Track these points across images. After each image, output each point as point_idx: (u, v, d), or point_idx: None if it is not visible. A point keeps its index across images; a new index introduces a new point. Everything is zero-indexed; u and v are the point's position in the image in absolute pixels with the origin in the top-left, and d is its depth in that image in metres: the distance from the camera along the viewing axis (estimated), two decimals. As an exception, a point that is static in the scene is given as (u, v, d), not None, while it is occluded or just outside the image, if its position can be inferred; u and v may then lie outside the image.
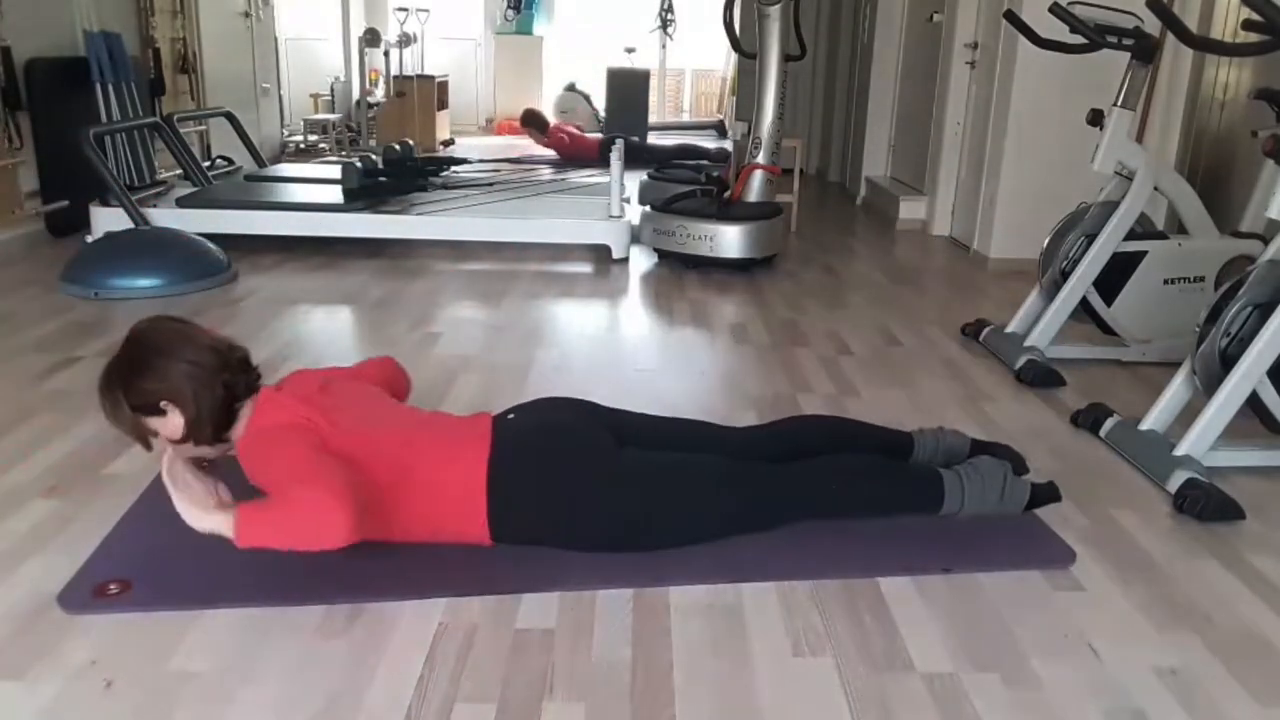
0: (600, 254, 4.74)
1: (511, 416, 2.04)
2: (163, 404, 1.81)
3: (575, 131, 8.60)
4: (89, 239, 4.33)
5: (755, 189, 4.73)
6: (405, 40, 9.45)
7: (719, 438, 2.19)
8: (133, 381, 1.82)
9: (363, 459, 1.82)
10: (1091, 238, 3.16)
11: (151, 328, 1.90)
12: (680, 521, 1.94)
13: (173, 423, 1.83)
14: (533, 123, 8.66)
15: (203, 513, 1.73)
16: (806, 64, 6.97)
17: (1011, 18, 3.60)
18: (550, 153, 8.56)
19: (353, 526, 1.66)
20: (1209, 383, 2.40)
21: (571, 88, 10.37)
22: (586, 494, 1.89)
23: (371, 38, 8.79)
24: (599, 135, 8.49)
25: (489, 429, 1.94)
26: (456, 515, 1.87)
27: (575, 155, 8.15)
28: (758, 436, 2.24)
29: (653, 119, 9.99)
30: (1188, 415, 2.45)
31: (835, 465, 2.05)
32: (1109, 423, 2.62)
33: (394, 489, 1.83)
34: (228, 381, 1.85)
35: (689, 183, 5.26)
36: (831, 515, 2.02)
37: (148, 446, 1.88)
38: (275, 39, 8.31)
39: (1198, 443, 2.34)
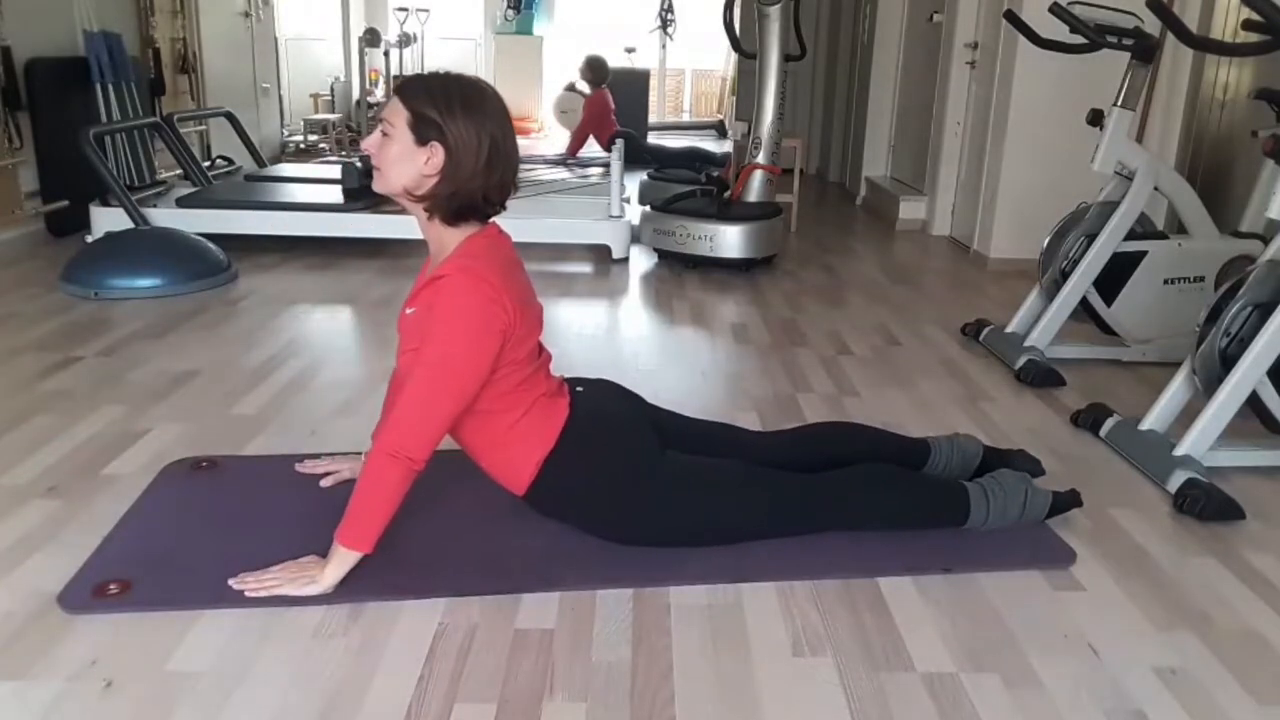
0: (600, 254, 4.74)
1: (580, 390, 2.05)
2: (435, 144, 1.73)
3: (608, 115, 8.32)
4: (89, 239, 4.33)
5: (755, 189, 4.74)
6: (405, 40, 9.44)
7: (747, 443, 2.20)
8: (452, 107, 1.73)
9: (529, 375, 1.88)
10: (1091, 238, 3.16)
11: (495, 93, 1.82)
12: (710, 524, 1.96)
13: (426, 161, 1.74)
14: (597, 73, 8.08)
15: (318, 575, 1.76)
16: (806, 64, 6.97)
17: (1011, 18, 3.60)
18: (550, 150, 8.56)
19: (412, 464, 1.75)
20: (1209, 383, 2.40)
21: (571, 88, 10.36)
22: (630, 487, 1.92)
23: (371, 38, 8.79)
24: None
25: (568, 394, 1.99)
26: (519, 456, 1.90)
27: (597, 130, 8.00)
28: (782, 443, 2.24)
29: (652, 119, 9.99)
30: (1188, 415, 2.45)
31: (864, 476, 2.05)
32: (1109, 423, 2.62)
33: (514, 409, 1.87)
34: (490, 188, 1.79)
35: (689, 183, 5.26)
36: (856, 526, 2.02)
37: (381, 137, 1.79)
38: (275, 39, 8.31)
39: (1198, 443, 2.34)
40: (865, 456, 2.12)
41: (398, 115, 1.76)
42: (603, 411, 2.02)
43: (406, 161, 1.77)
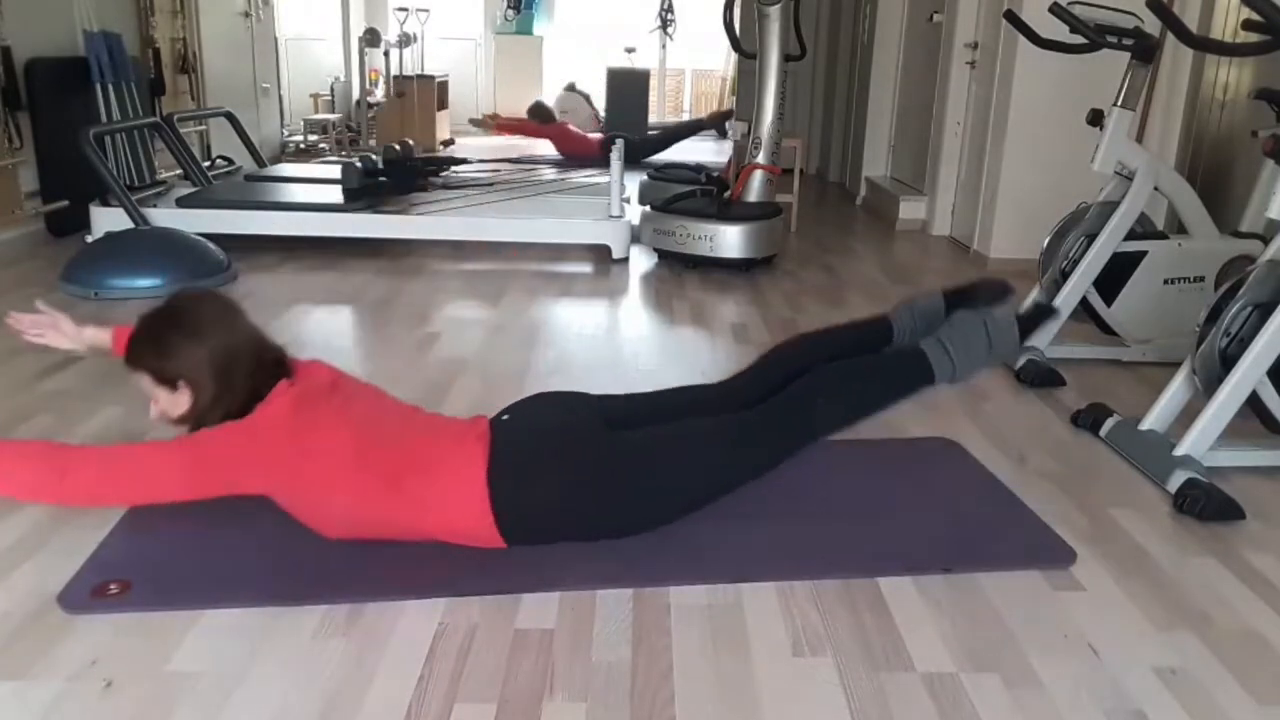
0: (600, 254, 4.74)
1: (506, 418, 2.02)
2: (180, 383, 1.82)
3: (577, 131, 8.71)
4: (89, 239, 4.33)
5: (755, 189, 4.74)
6: (405, 40, 9.45)
7: (704, 397, 2.15)
8: (161, 349, 1.82)
9: (361, 459, 1.82)
10: (1091, 238, 3.16)
11: (197, 305, 1.90)
12: (684, 489, 1.93)
13: (179, 402, 1.83)
14: (537, 115, 8.71)
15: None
16: (806, 64, 6.97)
17: (1011, 18, 3.60)
18: (550, 151, 8.59)
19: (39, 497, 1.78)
20: (1209, 383, 2.40)
21: (571, 88, 10.37)
22: (588, 487, 1.89)
23: (371, 38, 8.79)
24: (599, 135, 8.54)
25: (486, 432, 1.93)
26: (462, 520, 1.85)
27: (576, 152, 8.23)
28: (745, 382, 2.18)
29: (652, 119, 10.00)
30: (1188, 415, 2.45)
31: (813, 385, 2.00)
32: (1109, 423, 2.62)
33: (393, 489, 1.82)
34: (254, 387, 1.84)
35: (689, 183, 5.26)
36: (832, 429, 1.99)
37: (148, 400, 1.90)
38: (275, 39, 8.31)
39: (1198, 442, 2.34)
40: (831, 360, 2.08)
41: (142, 381, 1.86)
42: (522, 431, 1.96)
43: (180, 406, 1.85)
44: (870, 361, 2.10)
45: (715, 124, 9.25)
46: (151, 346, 1.83)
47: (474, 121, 9.49)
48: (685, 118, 11.91)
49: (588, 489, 1.89)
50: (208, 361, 1.81)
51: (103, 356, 2.24)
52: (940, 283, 4.63)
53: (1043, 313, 2.04)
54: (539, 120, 8.75)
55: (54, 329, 2.19)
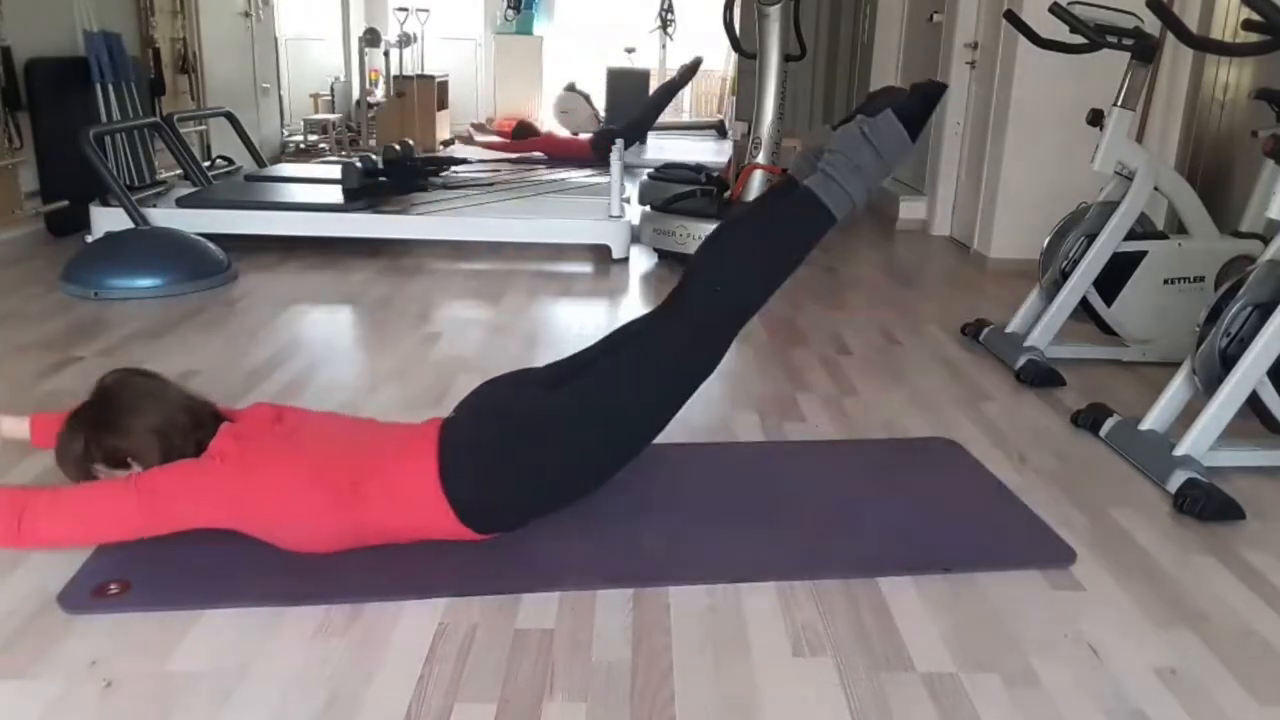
0: (600, 254, 4.74)
1: (453, 414, 2.03)
2: (128, 460, 1.86)
3: (564, 137, 8.77)
4: (89, 239, 4.33)
5: (755, 189, 4.73)
6: (405, 40, 9.44)
7: (632, 327, 2.14)
8: (100, 438, 1.85)
9: (312, 477, 1.81)
10: (1091, 238, 3.16)
11: (122, 385, 1.92)
12: (636, 416, 1.93)
13: (141, 471, 1.85)
14: (521, 135, 8.80)
15: None
16: (806, 64, 6.95)
17: (1011, 18, 3.60)
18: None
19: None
20: (1209, 383, 2.40)
21: (571, 88, 10.36)
22: (538, 455, 1.88)
23: (371, 38, 8.79)
24: (588, 135, 8.58)
25: (436, 434, 1.90)
26: (424, 517, 1.85)
27: (569, 156, 8.24)
28: (673, 296, 2.12)
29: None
30: (1188, 415, 2.45)
31: (715, 253, 1.96)
32: (1109, 423, 2.62)
33: (347, 500, 1.80)
34: (200, 439, 1.86)
35: (689, 183, 5.26)
36: (758, 296, 1.95)
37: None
38: (275, 39, 8.31)
39: (1198, 442, 2.34)
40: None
41: (81, 472, 1.86)
42: (465, 423, 1.95)
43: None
44: (760, 216, 2.03)
45: (685, 78, 9.18)
46: (96, 433, 1.85)
47: (458, 138, 9.51)
48: (684, 118, 11.92)
49: (539, 458, 1.88)
50: (151, 432, 1.84)
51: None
52: (940, 282, 4.64)
53: (928, 91, 1.84)
54: (525, 137, 8.75)
55: None
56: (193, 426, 1.88)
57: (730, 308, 1.97)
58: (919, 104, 1.87)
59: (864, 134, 1.83)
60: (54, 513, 1.73)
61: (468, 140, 9.09)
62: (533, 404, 1.96)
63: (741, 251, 1.98)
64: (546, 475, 1.92)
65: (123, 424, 1.86)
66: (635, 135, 8.16)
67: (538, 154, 8.46)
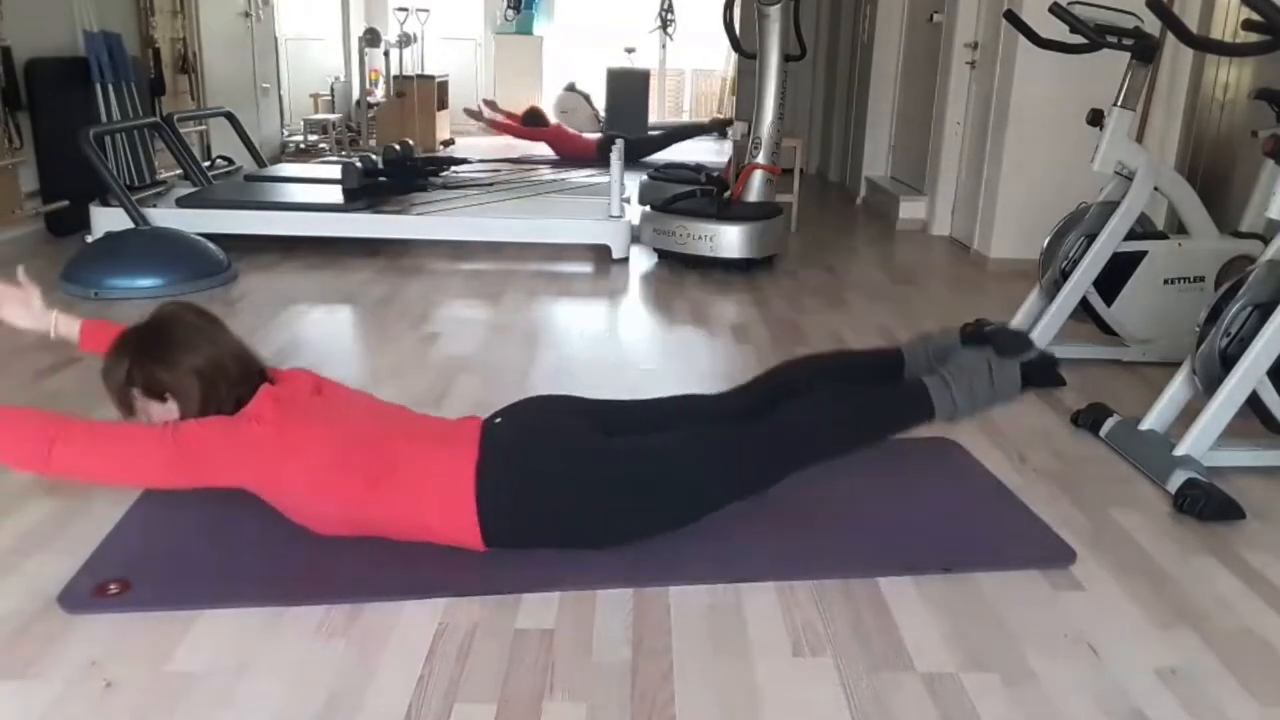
0: (600, 254, 4.74)
1: (498, 421, 2.00)
2: (166, 395, 1.82)
3: (573, 133, 8.74)
4: (89, 239, 4.33)
5: (755, 189, 4.73)
6: (405, 40, 9.45)
7: (703, 408, 2.14)
8: (145, 364, 1.82)
9: (344, 458, 1.81)
10: (1091, 238, 3.16)
11: (181, 318, 1.90)
12: (673, 503, 1.91)
13: (168, 412, 1.83)
14: (532, 121, 8.75)
15: None
16: (806, 64, 6.97)
17: (1011, 18, 3.60)
18: (549, 152, 8.60)
19: (39, 466, 1.69)
20: (1209, 383, 2.40)
21: (571, 88, 10.37)
22: (576, 495, 1.87)
23: (371, 38, 8.79)
24: (596, 136, 8.56)
25: (477, 434, 1.91)
26: (445, 519, 1.84)
27: (573, 153, 8.25)
28: (743, 396, 2.17)
29: (652, 119, 10.00)
30: (1188, 415, 2.45)
31: (816, 411, 1.98)
32: (1109, 423, 2.62)
33: (375, 488, 1.81)
34: (240, 396, 1.84)
35: (689, 183, 5.26)
36: (826, 458, 1.97)
37: (127, 414, 1.87)
38: (275, 39, 8.31)
39: (1198, 442, 2.34)
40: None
41: (120, 396, 1.85)
42: (514, 435, 1.94)
43: (167, 417, 1.83)
44: (871, 390, 2.08)
45: (716, 128, 9.28)
46: (140, 359, 1.83)
47: (468, 111, 9.44)
48: (685, 118, 11.92)
49: (575, 497, 1.87)
50: (194, 372, 1.82)
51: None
52: (940, 282, 4.65)
53: (1048, 363, 2.03)
54: (534, 125, 8.75)
55: (19, 304, 2.12)
56: (239, 379, 1.86)
57: (803, 450, 1.97)
58: (1039, 376, 2.03)
59: (990, 370, 1.98)
60: (88, 447, 1.71)
61: (477, 116, 9.03)
62: (584, 442, 1.94)
63: (842, 405, 2.02)
64: (571, 513, 1.88)
65: (171, 357, 1.82)
66: (642, 152, 8.12)
67: (538, 154, 8.47)
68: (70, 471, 1.73)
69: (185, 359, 1.82)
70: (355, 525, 1.87)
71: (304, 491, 1.82)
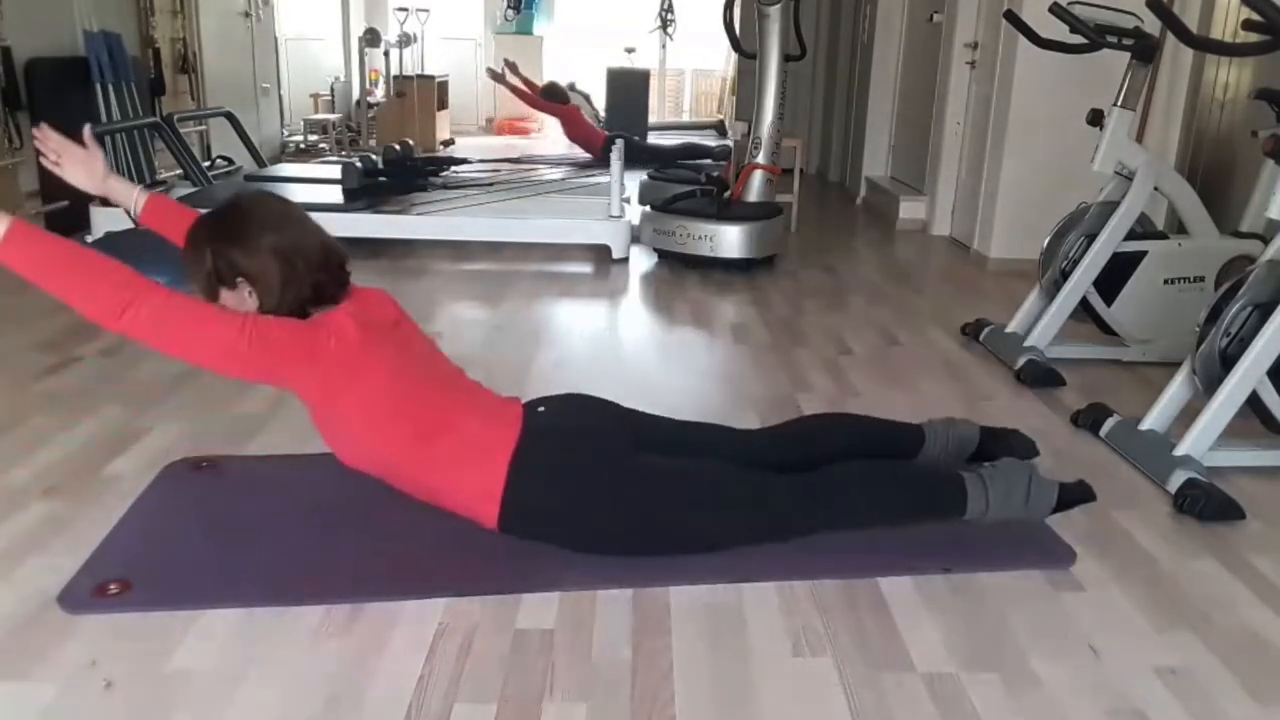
0: (600, 254, 4.74)
1: (541, 409, 2.02)
2: (240, 280, 1.79)
3: (589, 120, 8.66)
4: (89, 239, 4.33)
5: (755, 189, 4.73)
6: (405, 40, 9.44)
7: (731, 443, 2.16)
8: (221, 246, 1.79)
9: (404, 403, 1.83)
10: (1091, 238, 3.16)
11: (262, 201, 1.88)
12: (690, 531, 1.92)
13: (244, 301, 1.80)
14: (551, 95, 8.65)
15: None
16: (806, 64, 6.96)
17: (1011, 18, 3.60)
18: (550, 150, 8.59)
19: (116, 320, 1.67)
20: (1209, 383, 2.40)
21: (571, 87, 10.36)
22: (601, 500, 1.87)
23: (371, 38, 8.79)
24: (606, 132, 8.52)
25: (520, 418, 1.94)
26: (472, 491, 1.85)
27: (580, 140, 8.18)
28: (770, 441, 2.21)
29: (652, 119, 9.99)
30: (1188, 415, 2.45)
31: (849, 476, 1.99)
32: (1109, 423, 2.62)
33: (422, 441, 1.83)
34: (318, 283, 1.83)
35: (689, 183, 5.26)
36: (847, 526, 1.97)
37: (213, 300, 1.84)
38: (275, 39, 8.32)
39: (1198, 443, 2.34)
40: (855, 451, 2.08)
41: (205, 284, 1.82)
42: (556, 428, 1.96)
43: (242, 305, 1.81)
44: (909, 473, 2.08)
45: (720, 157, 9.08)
46: (219, 243, 1.79)
47: (490, 71, 9.30)
48: (685, 118, 11.92)
49: (600, 502, 1.87)
50: (273, 252, 1.78)
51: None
52: (940, 282, 4.64)
53: (1085, 494, 2.03)
54: (553, 100, 8.65)
55: (82, 165, 2.03)
56: (319, 264, 1.83)
57: (826, 511, 1.96)
58: (1075, 496, 2.02)
59: (1029, 484, 1.97)
60: (163, 315, 1.69)
61: (499, 78, 8.95)
62: (618, 452, 1.94)
63: (879, 479, 2.02)
64: (589, 517, 1.88)
65: (249, 239, 1.78)
66: (642, 157, 8.06)
67: (538, 154, 8.46)
68: (139, 334, 1.69)
69: (263, 239, 1.79)
70: (385, 468, 1.88)
71: (355, 420, 1.83)
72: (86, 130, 2.07)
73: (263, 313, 1.79)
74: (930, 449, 2.18)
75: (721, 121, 10.80)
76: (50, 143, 2.01)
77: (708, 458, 2.04)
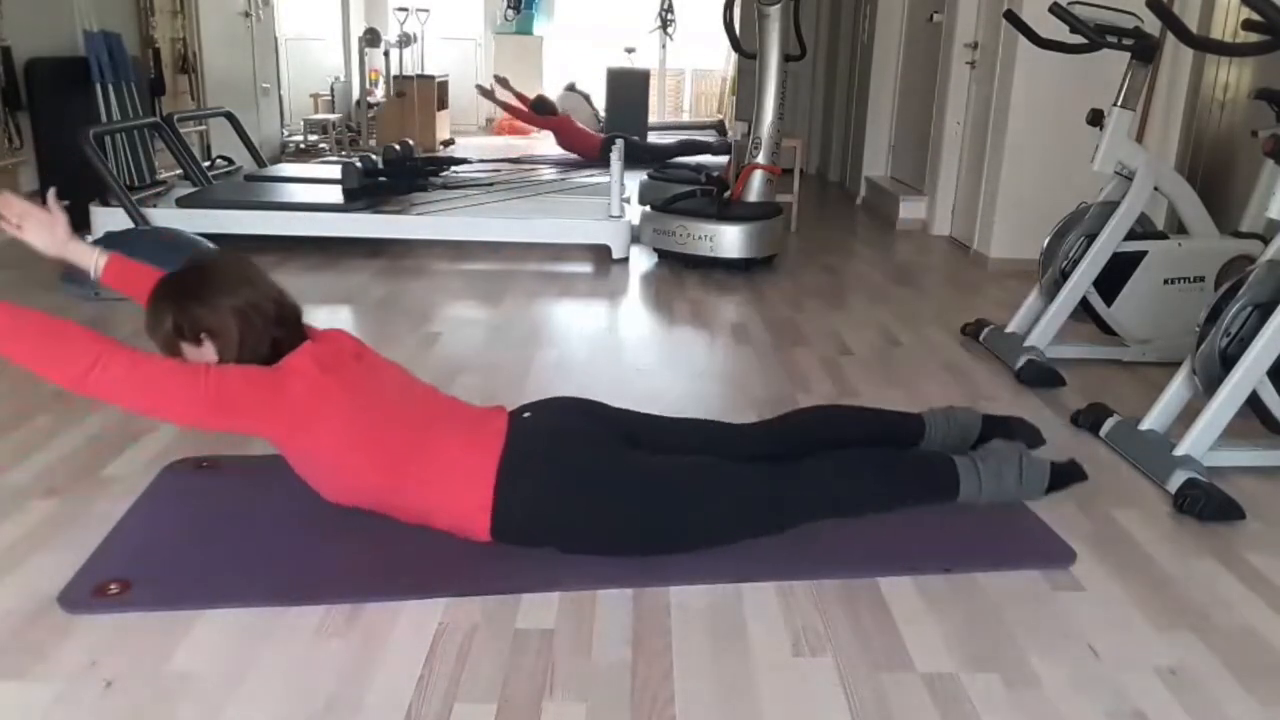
0: (600, 254, 4.74)
1: (527, 415, 2.02)
2: (203, 336, 1.82)
3: (582, 127, 8.69)
4: (89, 239, 4.32)
5: (755, 189, 4.74)
6: (405, 40, 9.45)
7: (726, 438, 2.16)
8: (184, 304, 1.82)
9: (374, 434, 1.83)
10: (1091, 238, 3.16)
11: (218, 259, 1.93)
12: (685, 528, 1.91)
13: (206, 355, 1.83)
14: (540, 109, 8.69)
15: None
16: (806, 64, 6.97)
17: (1011, 18, 3.60)
18: (550, 150, 8.59)
19: (80, 384, 1.66)
20: (1209, 383, 2.40)
21: (571, 88, 10.36)
22: (593, 501, 1.87)
23: (371, 38, 8.79)
24: (602, 135, 8.53)
25: (504, 427, 1.93)
26: (460, 507, 1.86)
27: (574, 148, 8.21)
28: (764, 434, 2.20)
29: (652, 119, 9.99)
30: (1188, 415, 2.45)
31: (840, 464, 2.00)
32: (1109, 423, 2.62)
33: (399, 469, 1.83)
34: (277, 338, 1.86)
35: (689, 183, 5.26)
36: (843, 515, 1.99)
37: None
38: (275, 39, 8.32)
39: (1198, 443, 2.34)
40: (855, 441, 2.08)
41: (166, 343, 1.84)
42: (542, 432, 1.96)
43: (204, 359, 1.83)
44: (899, 458, 2.09)
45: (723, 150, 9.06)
46: (181, 302, 1.83)
47: (480, 88, 9.39)
48: (685, 118, 11.92)
49: (590, 504, 1.87)
50: (232, 312, 1.82)
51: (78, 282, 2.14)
52: (940, 282, 4.64)
53: (1075, 473, 2.07)
54: (542, 113, 8.71)
55: (44, 228, 2.04)
56: (276, 319, 1.87)
57: (823, 501, 1.98)
58: (1066, 477, 2.06)
59: (1021, 464, 2.00)
60: (128, 374, 1.70)
61: (489, 94, 9.00)
62: (608, 453, 1.94)
63: (874, 467, 2.03)
64: (583, 520, 1.88)
65: (209, 297, 1.83)
66: (641, 155, 8.05)
67: (539, 154, 8.46)
68: (104, 395, 1.71)
69: (224, 299, 1.83)
70: (369, 500, 1.89)
71: (328, 457, 1.84)
72: (51, 194, 2.11)
73: (220, 360, 1.82)
74: (931, 438, 2.18)
75: (721, 121, 10.81)
76: (13, 208, 2.03)
77: (703, 453, 2.03)
